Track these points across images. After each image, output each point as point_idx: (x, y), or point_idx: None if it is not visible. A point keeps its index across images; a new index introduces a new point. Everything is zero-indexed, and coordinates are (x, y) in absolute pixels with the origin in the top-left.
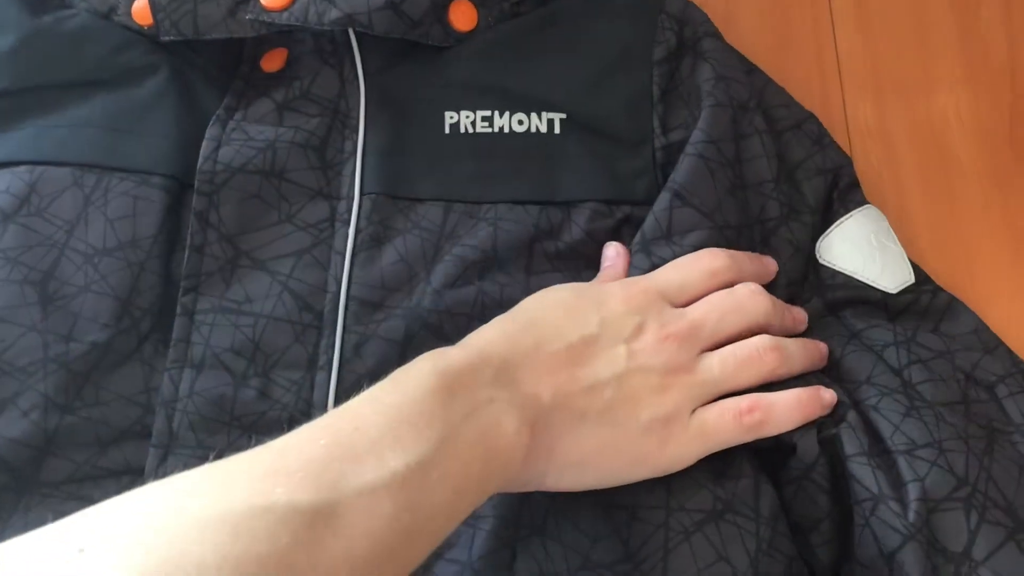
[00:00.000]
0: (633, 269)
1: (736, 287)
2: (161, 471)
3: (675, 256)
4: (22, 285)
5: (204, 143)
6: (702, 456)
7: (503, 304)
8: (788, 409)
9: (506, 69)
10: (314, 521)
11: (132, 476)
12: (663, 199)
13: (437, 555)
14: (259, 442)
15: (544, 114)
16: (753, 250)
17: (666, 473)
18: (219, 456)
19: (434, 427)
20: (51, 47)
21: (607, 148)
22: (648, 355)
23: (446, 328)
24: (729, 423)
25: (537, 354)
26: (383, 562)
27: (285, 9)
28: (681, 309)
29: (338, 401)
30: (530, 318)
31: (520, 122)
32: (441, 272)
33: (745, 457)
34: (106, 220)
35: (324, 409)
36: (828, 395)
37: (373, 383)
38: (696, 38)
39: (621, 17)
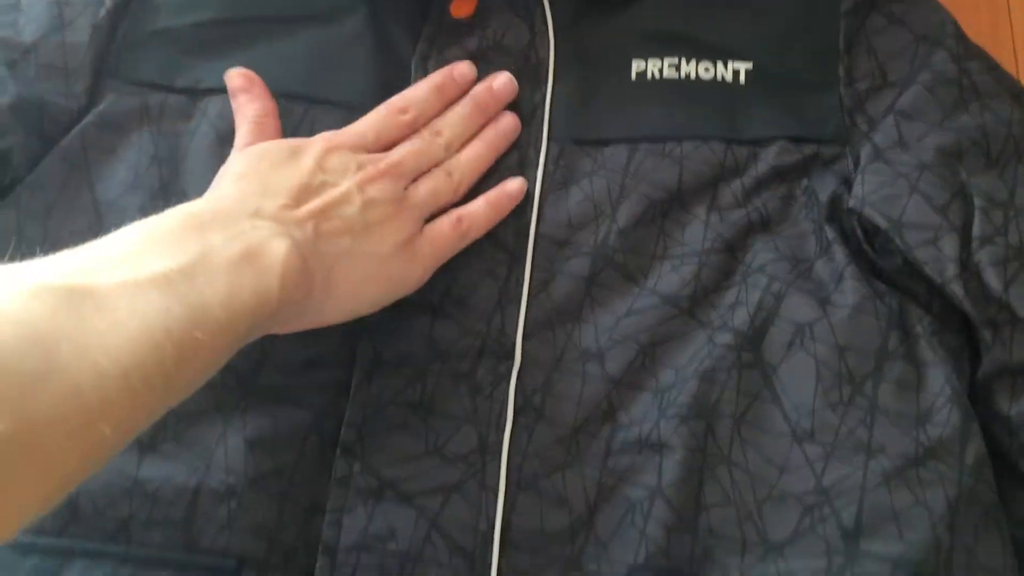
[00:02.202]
0: (875, 173)
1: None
2: (363, 387)
3: (916, 161)
4: None
5: (412, 81)
6: (436, 267)
7: (684, 242)
8: (484, 212)
9: (693, 19)
10: (71, 296)
11: (336, 390)
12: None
13: (623, 479)
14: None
15: (730, 63)
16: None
17: (418, 286)
18: None
19: (190, 244)
20: None
21: (793, 93)
22: (374, 189)
23: (630, 266)
24: (448, 234)
25: (279, 196)
26: (166, 350)
27: None
28: (381, 154)
29: (527, 336)
30: (250, 168)
31: (707, 69)
32: (626, 211)
33: (953, 400)
34: None
35: (514, 338)
36: (512, 185)
37: (561, 318)
38: None
39: None
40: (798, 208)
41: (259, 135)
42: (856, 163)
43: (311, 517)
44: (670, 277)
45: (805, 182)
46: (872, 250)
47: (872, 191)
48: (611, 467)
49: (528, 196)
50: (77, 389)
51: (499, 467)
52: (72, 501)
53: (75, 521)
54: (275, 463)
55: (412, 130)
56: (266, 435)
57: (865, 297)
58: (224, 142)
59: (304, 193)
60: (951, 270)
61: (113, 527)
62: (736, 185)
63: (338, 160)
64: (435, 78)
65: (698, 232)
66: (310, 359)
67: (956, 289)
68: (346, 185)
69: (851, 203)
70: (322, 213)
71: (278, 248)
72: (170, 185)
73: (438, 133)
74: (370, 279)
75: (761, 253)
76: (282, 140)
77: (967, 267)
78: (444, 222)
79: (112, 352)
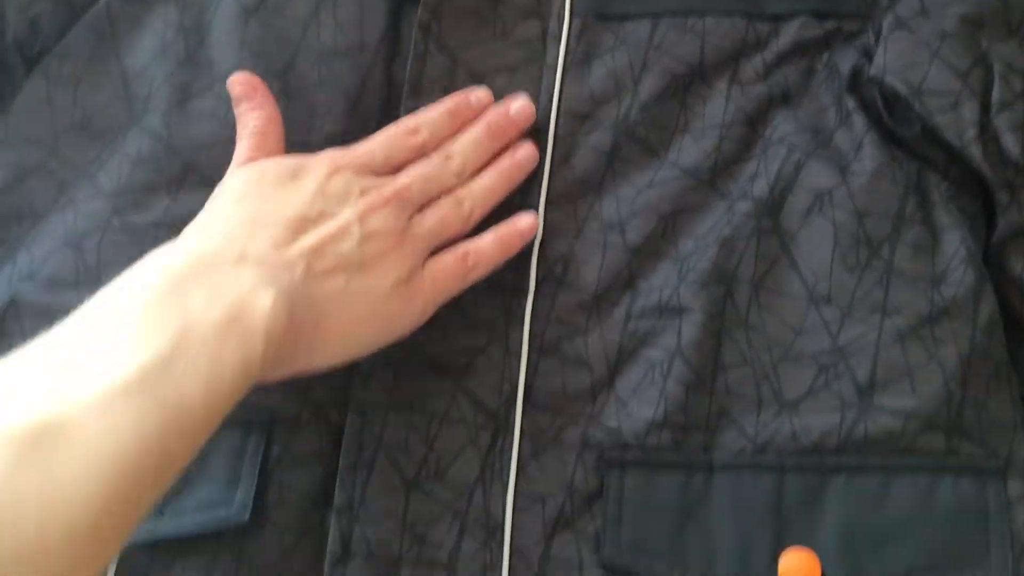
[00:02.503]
0: (897, 41)
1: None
2: None
3: (938, 29)
4: (266, 76)
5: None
6: (437, 306)
7: (705, 116)
8: (492, 249)
9: None
10: (38, 441)
11: None
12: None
13: (644, 342)
14: None
15: None
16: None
17: (416, 327)
18: None
19: (168, 318)
20: None
21: None
22: (376, 219)
23: (652, 139)
24: (453, 270)
25: (272, 229)
26: (145, 465)
27: None
28: (388, 177)
29: (549, 207)
30: (247, 191)
31: None
32: (648, 85)
33: (968, 261)
34: (335, 23)
35: (537, 209)
36: (524, 222)
37: (583, 191)
38: None
39: None
40: (819, 82)
41: (260, 149)
42: (877, 36)
43: (341, 378)
44: (691, 150)
45: (826, 56)
46: (891, 118)
47: (893, 59)
48: (631, 331)
49: (551, 69)
50: (44, 547)
51: (522, 332)
52: None
53: None
54: None
55: (422, 153)
56: None
57: (884, 163)
58: (248, 12)
59: (300, 225)
60: (970, 134)
61: None
62: (757, 60)
63: (341, 183)
64: (449, 101)
65: (719, 106)
66: None
67: (974, 152)
68: (346, 215)
69: (872, 72)
70: (316, 251)
71: (263, 302)
72: (196, 53)
73: (449, 157)
74: (364, 320)
75: (781, 126)
76: (284, 159)
77: (986, 131)
78: (449, 257)
79: (80, 498)
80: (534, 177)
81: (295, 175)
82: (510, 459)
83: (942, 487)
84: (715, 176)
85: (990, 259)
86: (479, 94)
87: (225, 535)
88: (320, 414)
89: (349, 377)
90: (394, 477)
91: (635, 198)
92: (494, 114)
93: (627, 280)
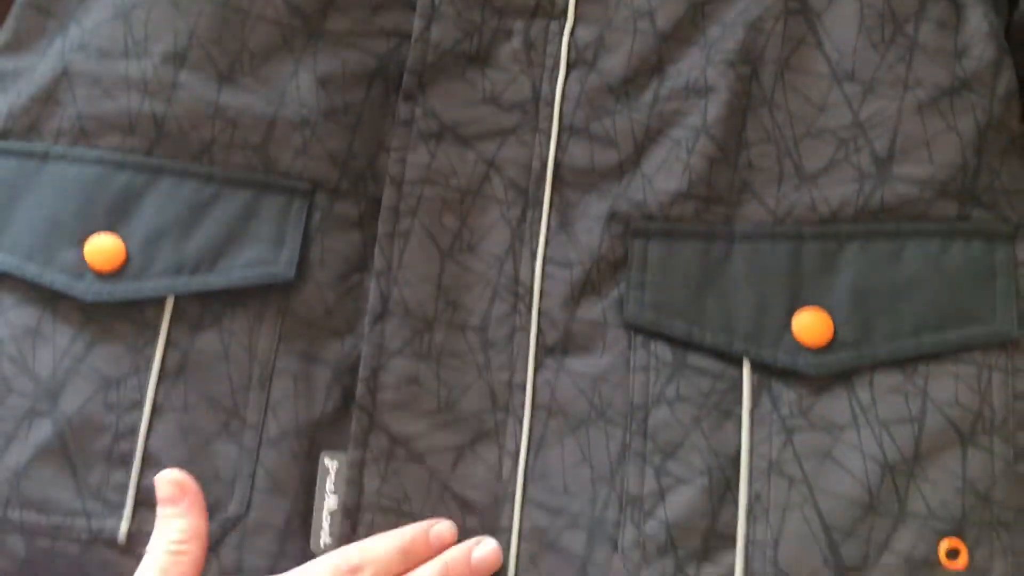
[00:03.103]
0: None
1: None
2: (424, 36)
3: None
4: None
5: None
6: None
7: None
8: None
9: None
10: None
11: (399, 38)
12: None
13: (670, 122)
14: None
15: None
16: None
17: None
18: None
19: None
20: None
21: None
22: None
23: None
24: None
25: None
26: None
27: None
28: None
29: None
30: None
31: None
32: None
33: (989, 37)
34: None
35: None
36: None
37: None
38: None
39: None
40: None
41: (173, 568)
42: None
43: (379, 152)
44: None
45: None
46: None
47: None
48: (658, 112)
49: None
50: None
51: (552, 112)
52: (158, 121)
53: (161, 141)
54: (344, 100)
55: None
56: (335, 74)
57: None
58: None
59: None
60: None
61: (197, 148)
62: None
63: None
64: (403, 534)
65: None
66: (375, 3)
67: None
68: None
69: None
70: None
71: None
72: None
73: None
74: None
75: None
76: None
77: None
78: None
79: None
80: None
81: None
82: (539, 230)
83: (953, 249)
84: None
85: (1011, 36)
86: (441, 531)
87: (271, 291)
88: (359, 184)
89: (385, 155)
90: (429, 247)
91: None
92: (454, 559)
93: (655, 65)
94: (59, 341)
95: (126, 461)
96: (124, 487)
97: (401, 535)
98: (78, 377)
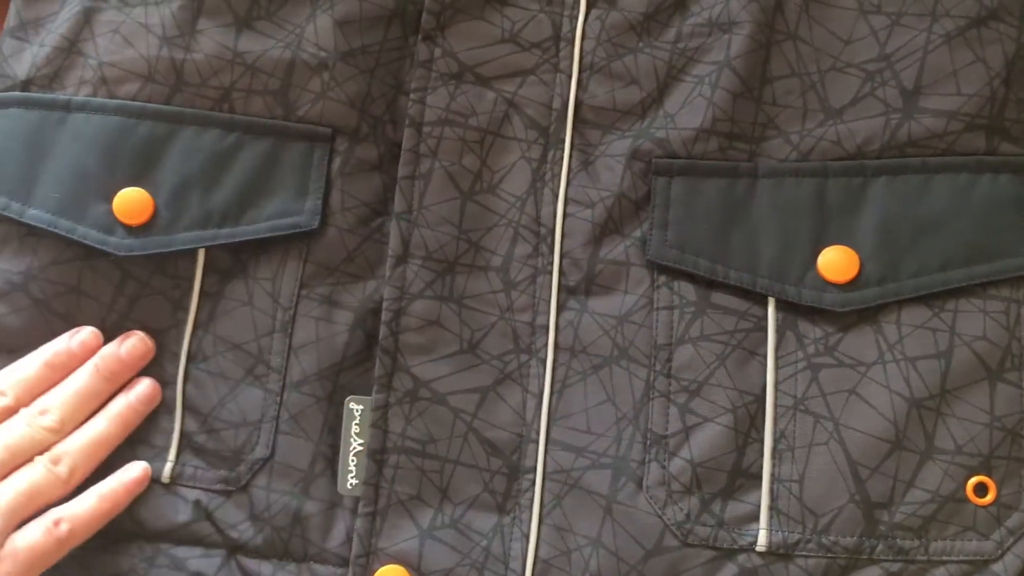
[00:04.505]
0: None
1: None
2: None
3: None
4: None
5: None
6: None
7: None
8: (92, 512)
9: None
10: None
11: None
12: None
13: (693, 59)
14: None
15: None
16: None
17: None
18: None
19: None
20: None
21: None
22: None
23: None
24: (41, 541)
25: None
26: None
27: None
28: None
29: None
30: None
31: None
32: None
33: None
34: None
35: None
36: (133, 472)
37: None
38: None
39: None
40: None
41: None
42: None
43: (397, 95)
44: None
45: None
46: None
47: None
48: (681, 49)
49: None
50: None
51: (572, 51)
52: (177, 68)
53: (180, 89)
54: (362, 41)
55: (10, 414)
56: (353, 15)
57: None
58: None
59: None
60: None
61: (216, 95)
62: None
63: None
64: (47, 351)
65: None
66: None
67: None
68: None
69: None
70: None
71: None
72: None
73: (44, 412)
74: None
75: None
76: None
77: None
78: (37, 529)
79: None
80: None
81: None
82: (560, 170)
83: (980, 183)
84: None
85: None
86: (83, 337)
87: (293, 237)
88: (378, 127)
89: (404, 97)
90: (450, 188)
91: None
92: (103, 357)
93: (677, 1)
94: (103, 298)
95: (169, 408)
96: (169, 432)
97: (43, 350)
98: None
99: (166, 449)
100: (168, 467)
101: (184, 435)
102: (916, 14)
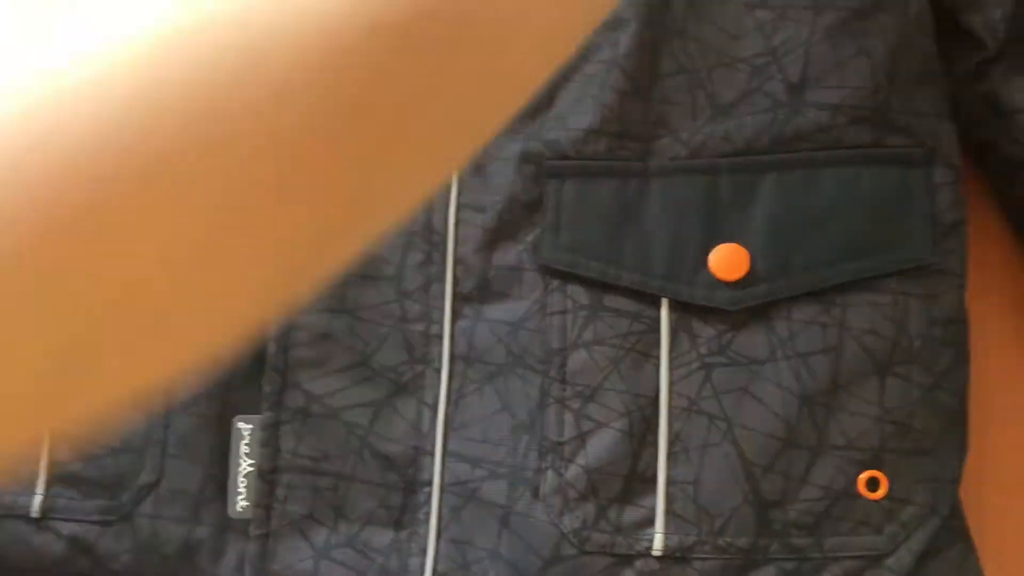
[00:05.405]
0: None
1: None
2: None
3: None
4: None
5: None
6: None
7: None
8: None
9: None
10: None
11: None
12: None
13: (583, 58)
14: None
15: None
16: None
17: None
18: None
19: None
20: None
21: None
22: None
23: None
24: None
25: None
26: None
27: None
28: None
29: None
30: None
31: None
32: None
33: None
34: None
35: None
36: None
37: None
38: None
39: None
40: None
41: None
42: None
43: None
44: None
45: None
46: None
47: None
48: None
49: None
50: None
51: None
52: None
53: None
54: None
55: None
56: None
57: None
58: None
59: None
60: None
61: None
62: None
63: None
64: None
65: None
66: None
67: None
68: None
69: None
70: None
71: None
72: None
73: None
74: None
75: None
76: None
77: None
78: None
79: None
80: None
81: None
82: (452, 175)
83: (868, 176)
84: None
85: None
86: None
87: None
88: None
89: None
90: None
91: None
92: None
93: None
94: None
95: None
96: (35, 462)
97: None
98: None
99: (34, 483)
100: (37, 500)
101: (52, 464)
102: (801, 7)
